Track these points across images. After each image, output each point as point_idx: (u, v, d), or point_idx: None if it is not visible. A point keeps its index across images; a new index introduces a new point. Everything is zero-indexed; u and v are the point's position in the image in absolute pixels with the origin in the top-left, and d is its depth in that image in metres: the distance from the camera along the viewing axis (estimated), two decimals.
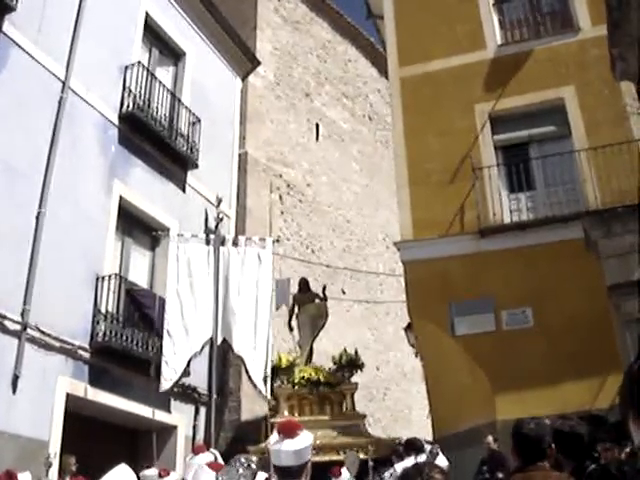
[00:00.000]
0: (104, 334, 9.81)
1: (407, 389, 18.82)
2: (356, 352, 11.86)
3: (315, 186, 17.99)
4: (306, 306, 12.57)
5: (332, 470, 7.13)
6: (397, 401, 18.39)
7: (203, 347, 10.51)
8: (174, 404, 11.13)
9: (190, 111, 12.59)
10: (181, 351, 10.22)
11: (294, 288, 12.68)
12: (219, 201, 12.54)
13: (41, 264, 9.05)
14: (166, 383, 10.03)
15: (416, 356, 12.83)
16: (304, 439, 2.82)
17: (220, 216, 12.14)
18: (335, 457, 9.74)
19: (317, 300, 12.74)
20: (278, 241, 12.77)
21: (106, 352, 9.83)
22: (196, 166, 12.55)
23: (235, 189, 14.25)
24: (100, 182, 10.56)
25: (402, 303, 12.53)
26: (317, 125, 18.91)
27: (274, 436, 3.24)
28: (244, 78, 15.58)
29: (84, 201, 10.16)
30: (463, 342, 9.92)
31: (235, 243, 11.39)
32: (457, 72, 11.49)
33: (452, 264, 10.27)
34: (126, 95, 11.28)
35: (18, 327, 8.63)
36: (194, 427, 11.49)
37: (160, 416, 10.76)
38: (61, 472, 8.33)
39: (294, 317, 12.58)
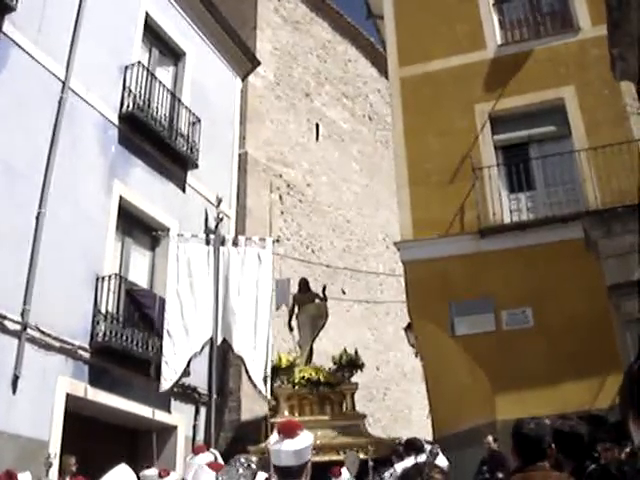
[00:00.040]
0: (104, 334, 9.80)
1: (407, 389, 18.82)
2: (356, 352, 11.86)
3: (315, 186, 17.99)
4: (306, 306, 12.57)
5: (332, 470, 7.12)
6: (397, 401, 18.39)
7: (203, 347, 10.51)
8: (174, 404, 11.13)
9: (190, 111, 12.59)
10: (181, 351, 10.21)
11: (294, 288, 12.69)
12: (219, 201, 12.54)
13: (41, 264, 9.05)
14: (166, 383, 10.03)
15: (416, 356, 12.82)
16: (304, 439, 2.82)
17: (220, 216, 12.14)
18: (335, 457, 9.74)
19: (317, 300, 12.74)
20: (278, 241, 12.77)
21: (106, 352, 9.83)
22: (196, 166, 12.55)
23: (235, 189, 14.25)
24: (100, 182, 10.56)
25: (402, 303, 12.54)
26: (317, 125, 18.91)
27: (274, 436, 3.24)
28: (244, 78, 15.58)
29: (84, 201, 10.16)
30: (463, 342, 9.92)
31: (235, 243, 11.39)
32: (457, 72, 11.49)
33: (452, 264, 10.27)
34: (126, 95, 11.28)
35: (18, 327, 8.63)
36: (194, 427, 11.49)
37: (160, 416, 10.76)
38: (61, 472, 8.33)
39: (294, 317, 12.58)
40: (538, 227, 10.08)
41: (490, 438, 8.38)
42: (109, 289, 10.09)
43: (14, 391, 8.43)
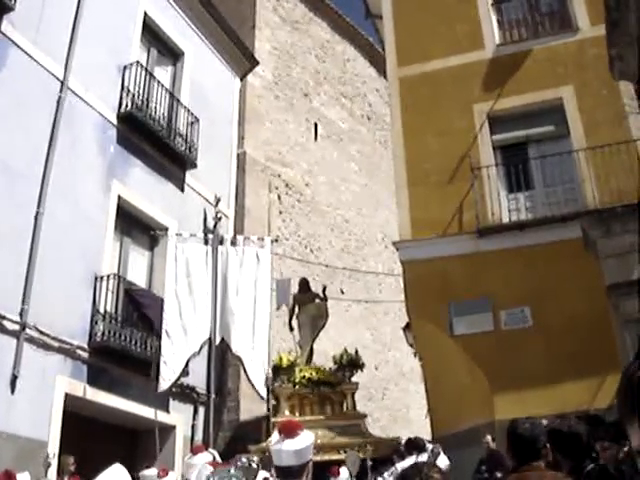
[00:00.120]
0: (103, 334, 9.81)
1: (406, 389, 18.83)
2: (357, 352, 11.87)
3: (314, 186, 17.99)
4: (306, 306, 12.56)
5: (331, 470, 7.14)
6: (396, 401, 18.39)
7: (202, 347, 10.50)
8: (173, 404, 11.13)
9: (189, 111, 12.59)
10: (180, 351, 10.20)
11: (294, 288, 12.68)
12: (218, 201, 12.53)
13: (40, 264, 9.04)
14: (165, 383, 10.01)
15: (415, 356, 12.81)
16: (305, 439, 2.82)
17: (219, 216, 12.13)
18: (335, 457, 9.74)
19: (317, 300, 12.74)
20: (277, 241, 12.77)
21: (105, 352, 9.83)
22: (195, 166, 12.55)
23: (234, 189, 14.25)
24: (99, 182, 10.56)
25: (401, 303, 12.54)
26: (316, 125, 18.91)
27: (275, 436, 3.25)
28: (243, 78, 15.58)
29: (83, 201, 10.16)
30: (462, 342, 9.92)
31: (234, 243, 11.39)
32: (456, 72, 11.49)
33: (451, 264, 10.27)
34: (124, 95, 11.28)
35: (17, 327, 8.63)
36: (193, 427, 11.49)
37: (159, 416, 10.75)
38: (60, 472, 8.33)
39: (294, 317, 12.58)
40: (537, 227, 10.08)
41: (489, 438, 8.39)
42: (108, 289, 10.09)
43: (13, 391, 8.43)
